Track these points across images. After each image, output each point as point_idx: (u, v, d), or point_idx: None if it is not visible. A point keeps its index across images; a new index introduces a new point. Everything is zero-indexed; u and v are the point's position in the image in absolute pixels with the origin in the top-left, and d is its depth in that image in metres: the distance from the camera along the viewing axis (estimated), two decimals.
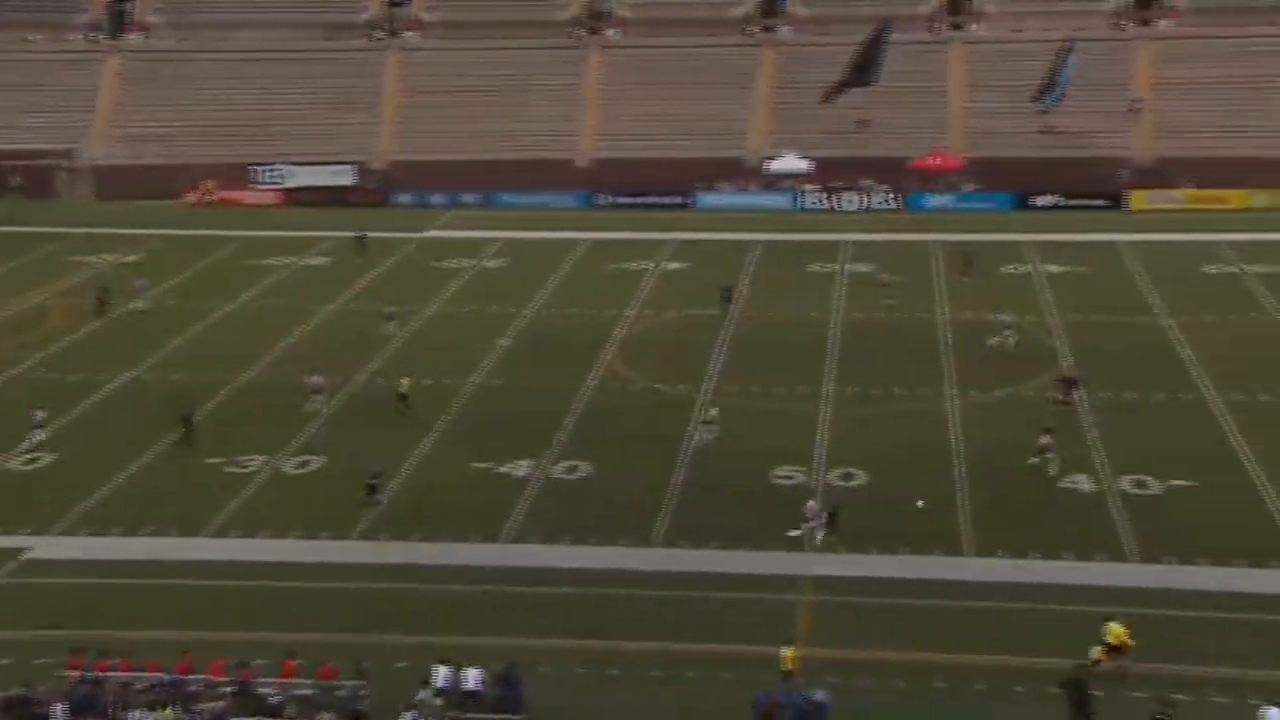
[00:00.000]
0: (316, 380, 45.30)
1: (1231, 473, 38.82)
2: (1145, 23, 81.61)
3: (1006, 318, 50.15)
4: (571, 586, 32.98)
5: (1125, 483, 38.12)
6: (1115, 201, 71.91)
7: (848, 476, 39.16)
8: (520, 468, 40.05)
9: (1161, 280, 57.55)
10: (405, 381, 45.24)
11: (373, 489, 37.77)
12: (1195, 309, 53.25)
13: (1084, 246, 63.72)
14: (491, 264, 64.29)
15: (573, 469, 40.17)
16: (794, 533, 35.30)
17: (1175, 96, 76.43)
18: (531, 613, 31.80)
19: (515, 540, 35.78)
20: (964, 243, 62.92)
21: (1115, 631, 28.28)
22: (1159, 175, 72.88)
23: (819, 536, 35.03)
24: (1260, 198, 70.09)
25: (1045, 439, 38.86)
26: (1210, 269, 59.53)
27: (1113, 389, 45.11)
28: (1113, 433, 41.62)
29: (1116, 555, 34.23)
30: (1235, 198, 70.62)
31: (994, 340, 49.27)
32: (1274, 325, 51.31)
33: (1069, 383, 44.12)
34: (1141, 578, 33.06)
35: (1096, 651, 28.26)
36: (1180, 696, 26.87)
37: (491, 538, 35.77)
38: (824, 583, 33.04)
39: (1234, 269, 59.30)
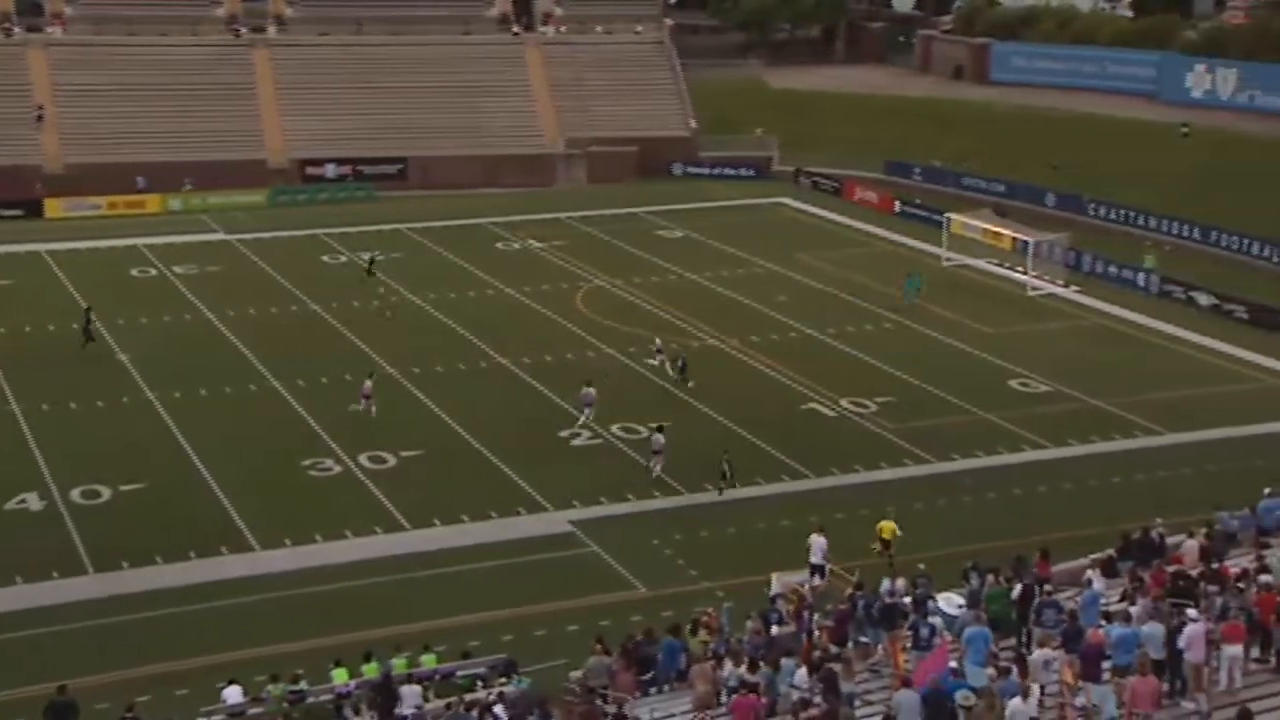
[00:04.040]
0: None
1: (180, 470, 40.03)
2: (34, 29, 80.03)
3: (659, 341, 48.90)
4: None
5: (76, 494, 37.78)
6: (34, 210, 70.24)
7: None
8: None
9: (90, 286, 57.43)
10: None
11: None
12: (128, 312, 53.89)
13: (6, 257, 61.66)
14: None
15: None
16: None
17: (77, 103, 76.30)
18: None
19: None
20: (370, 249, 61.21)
21: (887, 527, 33.56)
22: (74, 182, 72.26)
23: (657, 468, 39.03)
24: (175, 202, 72.53)
25: (659, 438, 39.36)
26: (136, 272, 60.60)
27: (51, 399, 44.45)
28: (56, 444, 41.02)
29: (74, 570, 33.91)
30: (153, 202, 72.39)
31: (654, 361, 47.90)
32: (206, 323, 53.52)
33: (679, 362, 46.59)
34: (98, 588, 33.14)
35: (875, 545, 33.38)
36: (143, 698, 27.31)
37: None
38: None
39: (157, 271, 60.90)
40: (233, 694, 27.35)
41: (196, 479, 39.34)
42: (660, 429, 39.94)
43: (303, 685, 27.65)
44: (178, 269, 61.19)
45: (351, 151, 77.54)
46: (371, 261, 59.82)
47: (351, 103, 79.65)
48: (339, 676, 28.03)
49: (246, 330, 52.44)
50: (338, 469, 40.18)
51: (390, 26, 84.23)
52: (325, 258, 63.76)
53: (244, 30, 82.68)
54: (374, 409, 43.47)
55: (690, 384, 46.05)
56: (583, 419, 42.97)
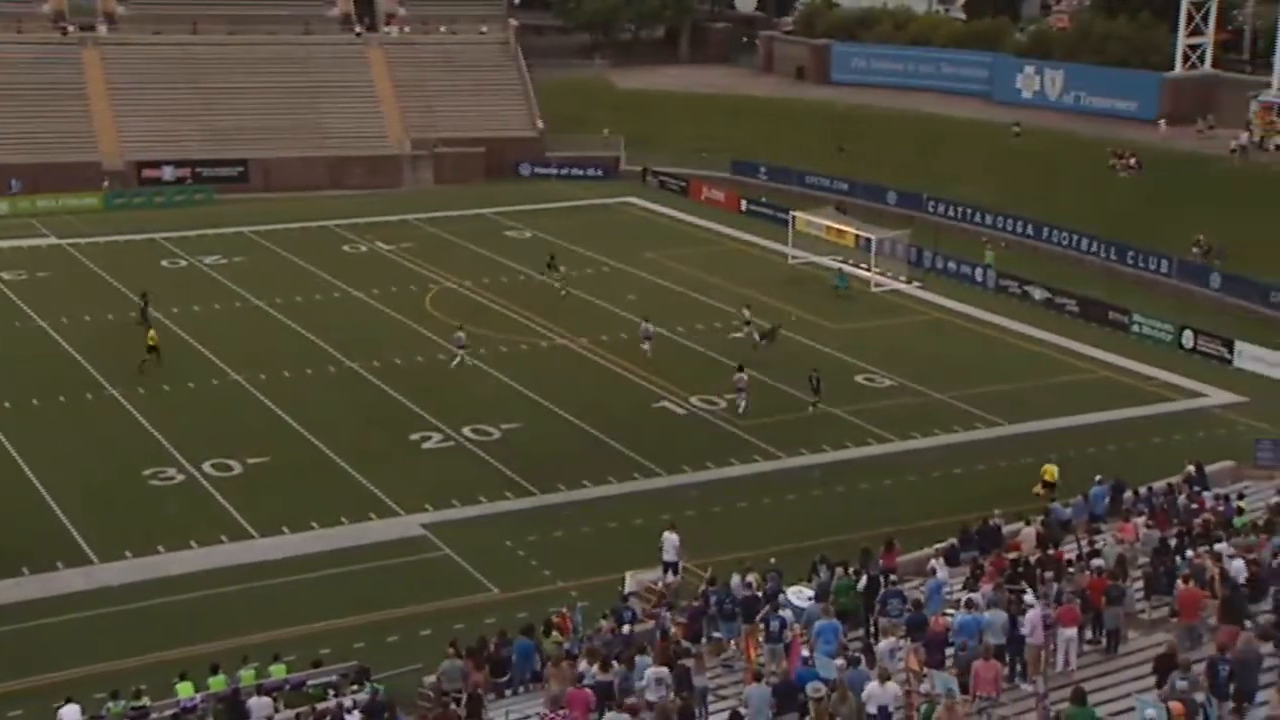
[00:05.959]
0: None
1: (11, 482, 38.72)
2: None
3: (747, 312, 51.58)
4: None
5: None
6: None
7: None
8: None
9: None
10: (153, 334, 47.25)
11: None
12: None
13: None
14: None
15: None
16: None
17: None
18: None
19: None
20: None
21: (1050, 470, 36.48)
22: None
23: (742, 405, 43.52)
24: (1, 205, 70.15)
25: (741, 376, 43.93)
26: None
27: None
28: None
29: None
30: None
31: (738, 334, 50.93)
32: (38, 330, 51.88)
33: (769, 333, 49.82)
34: None
35: (1038, 488, 35.96)
36: None
37: None
38: None
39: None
40: (70, 713, 26.38)
41: (29, 491, 38.09)
42: (741, 368, 44.25)
43: (145, 701, 26.88)
44: (5, 275, 59.21)
45: (190, 153, 75.79)
46: (552, 258, 60.12)
47: (189, 103, 77.86)
48: (183, 690, 27.34)
49: (82, 337, 50.89)
50: (181, 478, 39.21)
51: (227, 25, 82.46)
52: (165, 262, 62.16)
53: (72, 28, 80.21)
54: (466, 360, 47.63)
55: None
56: (647, 348, 48.68)
